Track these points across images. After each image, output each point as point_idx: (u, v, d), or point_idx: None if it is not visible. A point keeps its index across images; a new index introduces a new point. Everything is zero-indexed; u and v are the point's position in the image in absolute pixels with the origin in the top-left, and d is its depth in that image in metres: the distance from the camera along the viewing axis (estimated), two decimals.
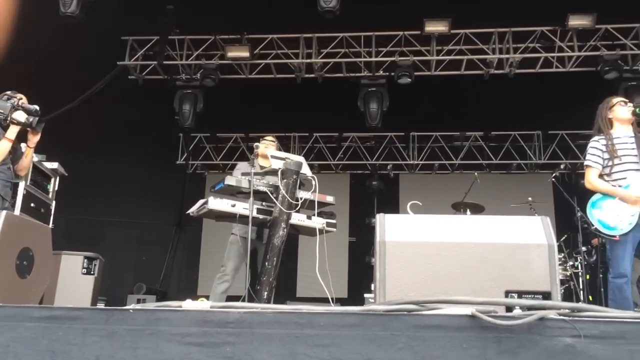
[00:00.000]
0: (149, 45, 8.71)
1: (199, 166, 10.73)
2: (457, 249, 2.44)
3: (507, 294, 2.38)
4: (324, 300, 4.55)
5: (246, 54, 8.40)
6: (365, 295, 6.35)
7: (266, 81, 8.94)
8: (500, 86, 8.58)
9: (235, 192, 4.35)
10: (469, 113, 9.41)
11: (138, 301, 8.22)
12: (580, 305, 1.82)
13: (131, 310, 1.87)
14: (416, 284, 2.42)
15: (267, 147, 5.11)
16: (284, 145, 10.18)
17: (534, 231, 2.46)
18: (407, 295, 2.37)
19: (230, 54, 8.42)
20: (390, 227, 2.54)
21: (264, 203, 4.34)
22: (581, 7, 7.68)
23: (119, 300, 7.99)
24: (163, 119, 9.24)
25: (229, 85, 8.90)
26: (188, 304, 1.99)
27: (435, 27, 7.85)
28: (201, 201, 4.33)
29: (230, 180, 4.25)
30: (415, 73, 8.37)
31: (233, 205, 4.21)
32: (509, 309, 2.01)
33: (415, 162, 10.44)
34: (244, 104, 9.36)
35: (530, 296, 2.38)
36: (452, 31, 7.99)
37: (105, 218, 9.49)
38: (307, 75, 8.75)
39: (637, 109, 4.22)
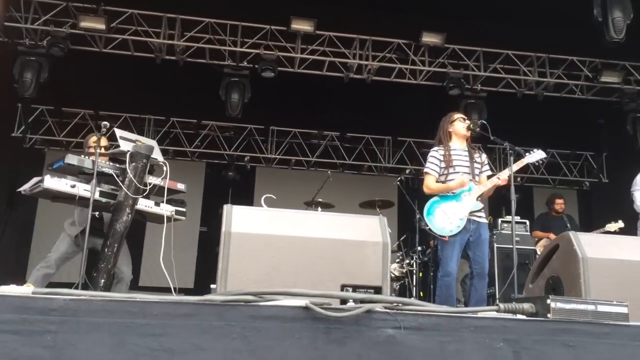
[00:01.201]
0: None
1: (38, 141, 9.81)
2: (300, 243, 2.51)
3: (343, 287, 2.51)
4: (167, 290, 4.42)
5: (101, 26, 7.86)
6: (212, 285, 6.29)
7: (123, 58, 8.44)
8: (358, 90, 8.98)
9: (76, 172, 4.06)
10: (327, 113, 9.72)
11: None
12: (404, 299, 1.98)
13: None
14: (258, 276, 2.46)
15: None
16: (137, 127, 9.72)
17: (371, 230, 2.62)
18: (248, 286, 2.39)
19: (83, 24, 7.82)
20: (236, 219, 2.55)
21: (107, 186, 4.10)
22: (435, 26, 8.30)
23: None
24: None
25: (80, 57, 8.26)
26: (8, 289, 1.83)
27: (301, 25, 8.01)
28: (36, 179, 3.98)
29: (71, 159, 3.95)
30: (279, 68, 8.45)
31: (73, 186, 3.92)
32: (344, 301, 2.13)
33: (273, 156, 10.54)
34: (97, 80, 8.75)
35: (363, 290, 2.53)
36: (317, 32, 8.21)
37: None
38: (168, 57, 8.43)
39: (472, 125, 4.66)
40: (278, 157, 10.58)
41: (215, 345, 1.76)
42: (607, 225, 6.98)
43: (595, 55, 8.85)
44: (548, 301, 1.96)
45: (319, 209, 7.17)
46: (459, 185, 4.42)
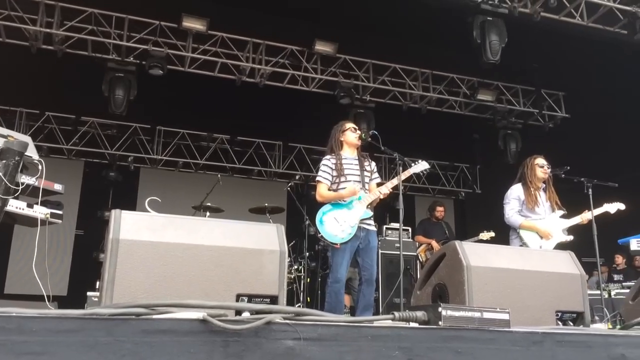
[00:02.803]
0: None
1: None
2: (194, 251, 2.41)
3: (238, 297, 2.45)
4: (38, 298, 4.06)
5: None
6: (89, 293, 5.89)
7: None
8: (250, 94, 8.91)
9: None
10: (218, 115, 9.54)
11: None
12: (303, 309, 1.96)
13: None
14: (148, 286, 2.32)
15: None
16: (7, 120, 8.90)
17: (268, 237, 2.58)
18: (137, 297, 2.26)
19: None
20: (125, 224, 2.39)
21: None
22: (328, 35, 8.46)
23: None
24: None
25: None
26: None
27: (193, 24, 7.79)
28: None
29: None
30: (169, 66, 8.15)
31: None
32: (239, 312, 2.07)
33: (159, 157, 10.16)
34: None
35: (259, 300, 2.48)
36: (210, 32, 8.03)
37: None
38: (45, 47, 7.80)
39: (363, 135, 4.79)
40: (164, 158, 10.23)
41: None
42: (480, 234, 7.56)
43: (473, 74, 9.52)
44: (440, 309, 2.04)
45: (208, 213, 7.01)
46: (350, 193, 4.51)
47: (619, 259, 9.38)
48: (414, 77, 9.46)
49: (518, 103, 9.90)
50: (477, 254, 2.84)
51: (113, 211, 2.43)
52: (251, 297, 2.47)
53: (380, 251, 8.73)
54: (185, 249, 2.43)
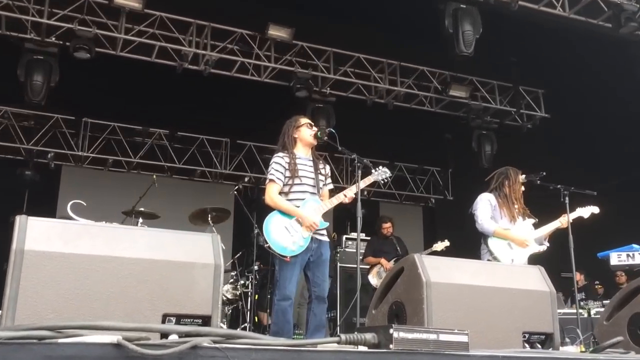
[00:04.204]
0: None
1: None
2: (113, 264, 2.38)
3: (165, 318, 2.43)
4: None
5: None
6: None
7: None
8: (193, 84, 8.84)
9: None
10: (155, 107, 9.43)
11: None
12: (235, 332, 1.96)
13: None
14: (58, 306, 2.28)
15: None
16: None
17: (201, 249, 2.57)
18: (44, 318, 2.21)
19: None
20: (32, 233, 2.34)
21: None
22: (283, 19, 8.47)
23: None
24: None
25: None
26: None
27: (127, 0, 7.67)
28: None
29: None
30: (97, 49, 8.00)
31: None
32: (166, 335, 2.05)
33: (85, 153, 9.98)
34: None
35: (189, 321, 2.47)
36: (146, 10, 7.91)
37: None
38: None
39: (319, 133, 4.81)
40: (91, 155, 10.06)
41: None
42: (434, 245, 7.79)
43: (445, 67, 9.70)
44: (391, 331, 2.07)
45: (141, 219, 6.91)
46: (304, 220, 4.46)
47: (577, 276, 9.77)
48: (380, 69, 9.57)
49: (494, 100, 10.14)
50: (438, 268, 2.89)
51: (18, 217, 2.38)
52: (180, 318, 2.46)
53: (338, 264, 8.85)
54: (103, 262, 2.39)
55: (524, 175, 5.33)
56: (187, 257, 2.52)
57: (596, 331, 3.55)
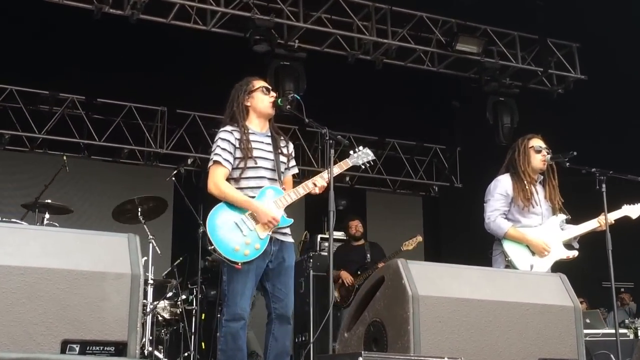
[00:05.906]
0: None
1: None
2: None
3: (65, 344, 2.42)
4: None
5: None
6: None
7: None
8: (116, 36, 8.75)
9: None
10: (67, 65, 9.35)
11: None
12: None
13: None
14: None
15: None
16: None
17: (114, 254, 2.56)
18: None
19: None
20: None
21: None
22: None
23: None
24: None
25: None
26: None
27: None
28: None
29: None
30: None
31: None
32: None
33: None
34: None
35: (98, 348, 2.47)
36: None
37: None
38: None
39: (280, 100, 4.77)
40: None
41: None
42: (404, 244, 7.81)
43: (450, 14, 9.67)
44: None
45: (47, 215, 6.87)
46: (260, 215, 4.43)
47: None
48: (365, 16, 9.55)
49: (514, 57, 10.17)
50: (429, 278, 2.92)
51: None
52: (86, 345, 2.46)
53: (311, 272, 8.85)
54: None
55: (537, 141, 5.35)
56: (95, 265, 2.52)
57: (636, 357, 3.61)
